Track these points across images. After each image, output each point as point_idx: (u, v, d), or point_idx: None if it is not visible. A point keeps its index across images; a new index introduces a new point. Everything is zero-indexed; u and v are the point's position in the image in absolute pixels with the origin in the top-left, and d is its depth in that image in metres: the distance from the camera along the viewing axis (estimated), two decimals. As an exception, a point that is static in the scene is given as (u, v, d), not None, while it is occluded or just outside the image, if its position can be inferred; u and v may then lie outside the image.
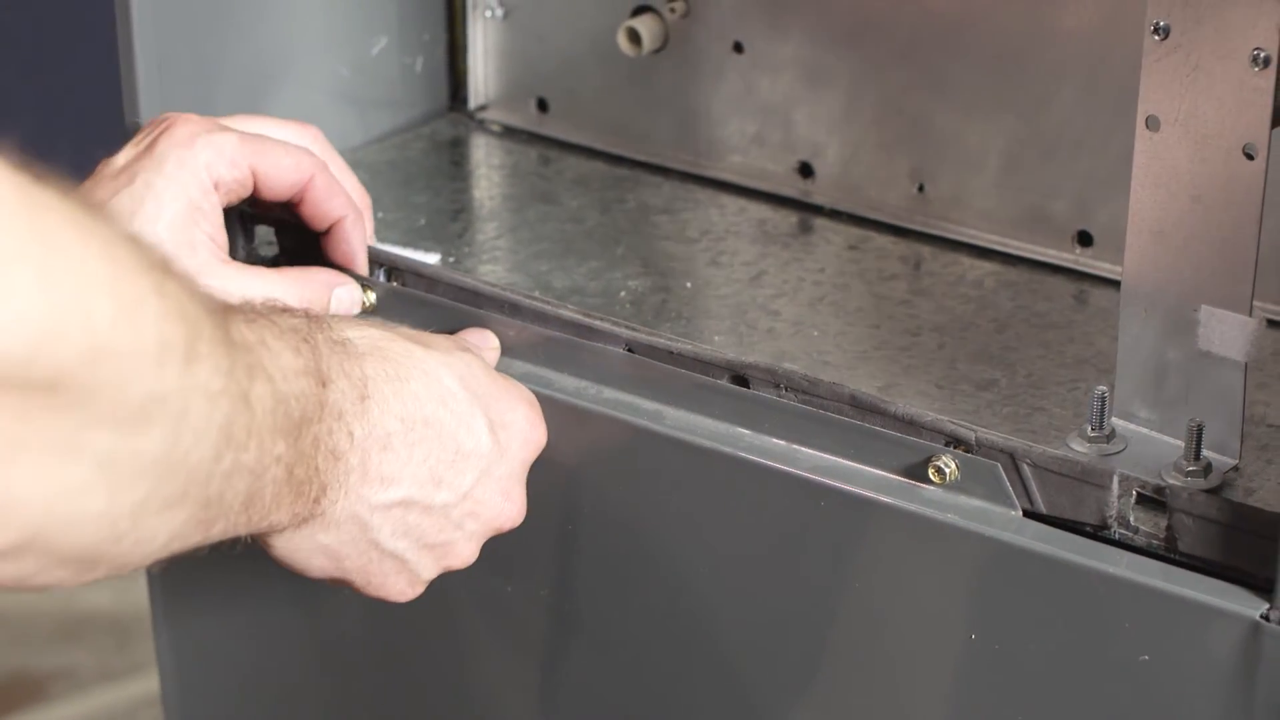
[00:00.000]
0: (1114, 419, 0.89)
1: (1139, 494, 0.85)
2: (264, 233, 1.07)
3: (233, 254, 1.06)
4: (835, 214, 1.14)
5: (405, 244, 1.09)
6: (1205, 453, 0.86)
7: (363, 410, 0.85)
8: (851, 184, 1.13)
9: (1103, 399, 0.88)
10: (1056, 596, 0.86)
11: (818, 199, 1.14)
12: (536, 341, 0.98)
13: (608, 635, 1.01)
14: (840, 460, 0.91)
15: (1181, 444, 0.86)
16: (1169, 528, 0.85)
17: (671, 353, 0.95)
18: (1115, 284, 0.94)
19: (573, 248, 1.10)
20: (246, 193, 0.99)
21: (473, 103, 1.25)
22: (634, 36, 1.16)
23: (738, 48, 1.15)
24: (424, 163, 1.21)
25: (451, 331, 1.00)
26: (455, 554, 0.91)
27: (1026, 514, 0.88)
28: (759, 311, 1.03)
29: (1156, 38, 0.83)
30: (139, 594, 2.23)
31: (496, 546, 0.94)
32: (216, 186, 0.97)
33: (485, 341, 0.99)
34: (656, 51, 1.17)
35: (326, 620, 1.11)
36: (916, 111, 1.10)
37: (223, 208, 0.99)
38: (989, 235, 1.09)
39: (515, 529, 0.93)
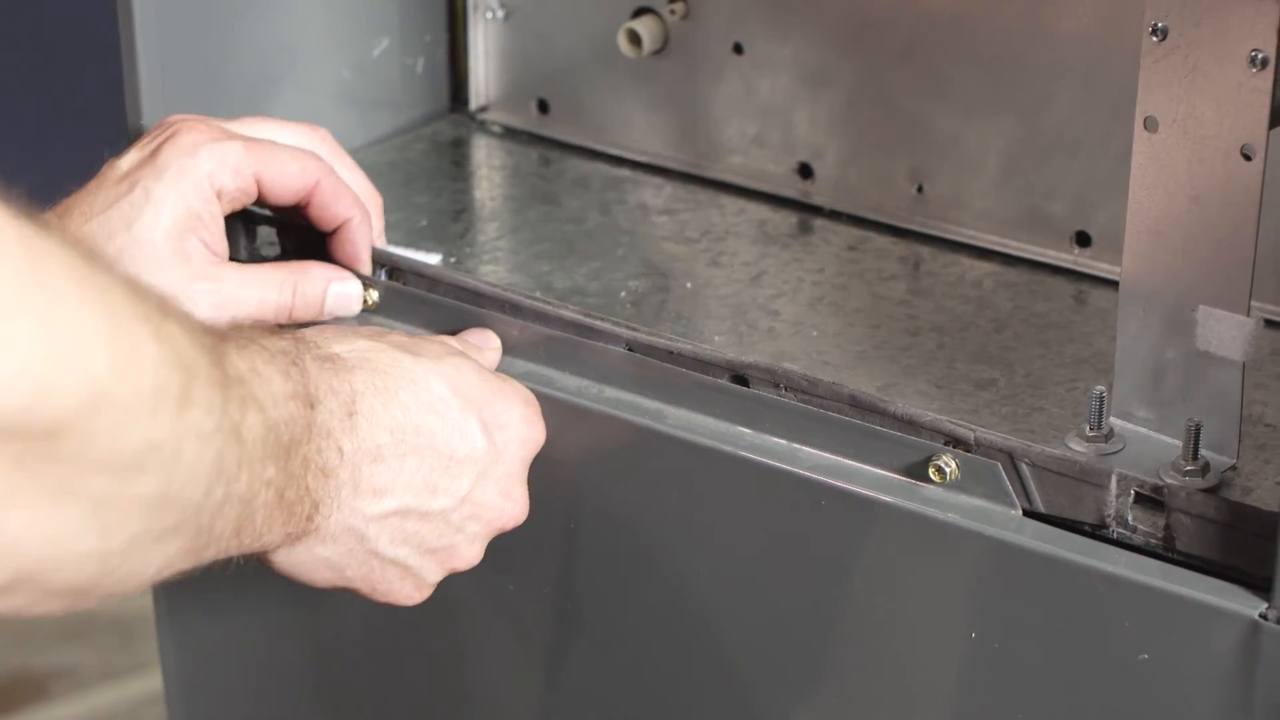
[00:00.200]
0: (1112, 419, 0.89)
1: (1137, 493, 0.85)
2: (266, 233, 1.07)
3: (235, 254, 1.06)
4: (835, 214, 1.14)
5: (407, 244, 1.09)
6: (1203, 452, 0.86)
7: (351, 426, 0.85)
8: (851, 185, 1.13)
9: (1101, 399, 0.88)
10: (1056, 595, 0.86)
11: (817, 200, 1.15)
12: (538, 341, 0.99)
13: (609, 633, 1.01)
14: (841, 459, 0.91)
15: (1179, 443, 0.86)
16: (1167, 527, 0.85)
17: (672, 353, 0.96)
18: (1114, 284, 0.94)
19: (573, 248, 1.10)
20: (251, 200, 1.00)
21: (474, 104, 1.25)
22: (634, 38, 1.16)
23: (738, 49, 1.15)
24: (425, 163, 1.21)
25: (454, 332, 1.00)
26: (459, 556, 0.92)
27: (1026, 513, 0.88)
28: (759, 312, 1.03)
29: (1155, 39, 0.83)
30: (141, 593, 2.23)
31: (499, 546, 0.94)
32: (219, 195, 0.98)
33: (487, 341, 0.99)
34: (657, 53, 1.17)
35: (330, 619, 1.11)
36: (915, 112, 1.10)
37: (227, 214, 0.99)
38: (988, 236, 1.09)
39: (519, 527, 0.94)
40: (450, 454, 0.89)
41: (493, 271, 1.07)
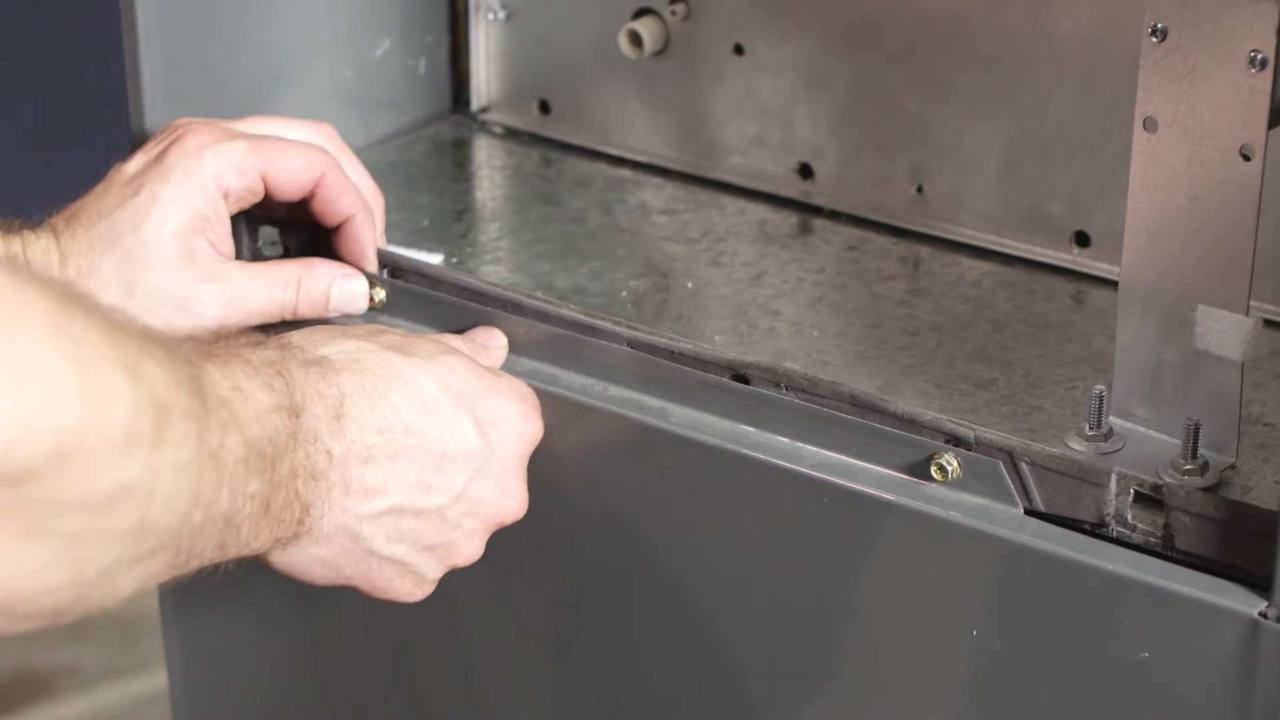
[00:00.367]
0: (1111, 418, 0.89)
1: (1136, 492, 0.85)
2: (269, 233, 1.07)
3: (237, 254, 1.06)
4: (835, 215, 1.14)
5: (409, 245, 1.09)
6: (1202, 451, 0.86)
7: (340, 429, 0.86)
8: (851, 185, 1.13)
9: (1100, 398, 0.88)
10: (1057, 594, 0.86)
11: (817, 200, 1.15)
12: (543, 339, 0.99)
13: (613, 629, 1.01)
14: (843, 458, 0.92)
15: (1179, 443, 0.86)
16: (1166, 526, 0.85)
17: (672, 352, 0.96)
18: (1113, 284, 0.94)
19: (574, 248, 1.10)
20: (258, 198, 1.00)
21: (475, 104, 1.25)
22: (635, 39, 1.16)
23: (738, 50, 1.15)
24: (427, 164, 1.21)
25: (461, 330, 1.00)
26: (458, 552, 0.92)
27: (1027, 512, 0.88)
28: (759, 311, 1.03)
29: (1154, 39, 0.84)
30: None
31: (502, 544, 0.94)
32: (226, 196, 0.98)
33: (492, 340, 0.99)
34: (658, 54, 1.17)
35: (334, 617, 1.11)
36: (915, 113, 1.10)
37: (233, 213, 1.00)
38: (987, 236, 1.09)
39: (520, 522, 0.94)
40: (442, 452, 0.90)
41: (494, 271, 1.08)
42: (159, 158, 0.97)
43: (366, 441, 0.87)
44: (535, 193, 1.18)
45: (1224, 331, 0.85)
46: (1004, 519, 0.88)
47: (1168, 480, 0.85)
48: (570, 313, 0.99)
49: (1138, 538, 0.86)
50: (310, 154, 1.01)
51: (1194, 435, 0.85)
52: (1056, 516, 0.87)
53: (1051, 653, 0.87)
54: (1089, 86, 1.03)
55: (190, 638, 1.17)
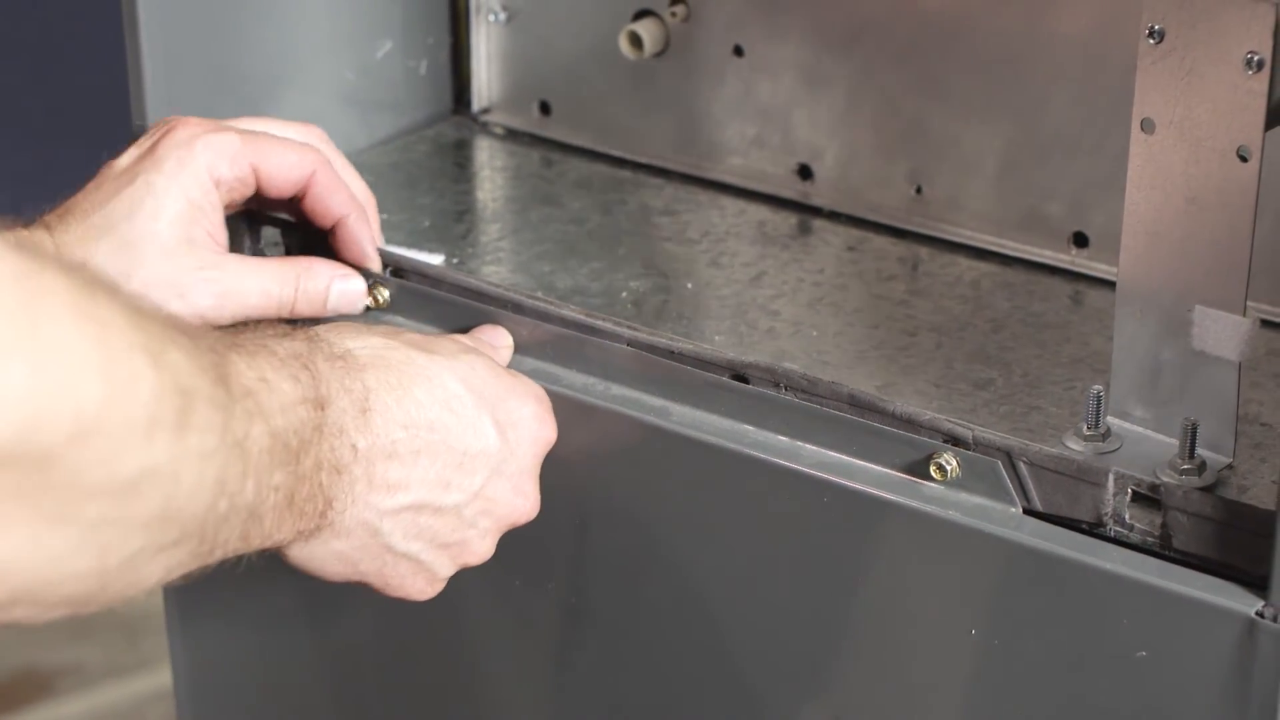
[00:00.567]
0: (1109, 418, 0.90)
1: (1134, 492, 0.85)
2: (270, 234, 1.07)
3: (239, 254, 1.07)
4: (834, 215, 1.14)
5: (410, 245, 1.09)
6: (1199, 451, 0.86)
7: (365, 423, 0.86)
8: (850, 186, 1.14)
9: (1098, 398, 0.88)
10: (1055, 593, 0.86)
11: (817, 201, 1.15)
12: (546, 339, 0.99)
13: (614, 626, 1.01)
14: (843, 457, 0.92)
15: (1176, 442, 0.87)
16: (1164, 525, 0.85)
17: (672, 352, 0.96)
18: (1111, 285, 0.94)
19: (575, 249, 1.10)
20: (249, 191, 1.00)
21: (476, 106, 1.26)
22: (635, 40, 1.16)
23: (738, 51, 1.15)
24: (428, 165, 1.21)
25: (465, 329, 1.00)
26: (471, 551, 0.92)
27: (1026, 511, 0.88)
28: (759, 312, 1.04)
29: (1151, 41, 0.84)
30: (145, 592, 2.23)
31: (505, 541, 0.94)
32: (217, 185, 0.98)
33: (498, 339, 0.99)
34: (658, 55, 1.17)
35: (339, 616, 1.11)
36: (914, 114, 1.10)
37: (226, 205, 1.00)
38: (986, 236, 1.10)
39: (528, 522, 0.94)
40: (464, 450, 0.90)
41: (495, 272, 1.08)
42: (152, 149, 0.98)
43: (391, 437, 0.87)
44: (536, 193, 1.18)
45: (1221, 332, 0.85)
46: (1002, 518, 0.88)
47: (1165, 480, 0.85)
48: (571, 313, 0.99)
49: (1135, 537, 0.86)
50: (302, 151, 1.01)
51: (1191, 435, 0.86)
52: (1055, 516, 0.88)
53: (1049, 651, 0.87)
54: (1087, 88, 1.04)
55: (194, 637, 1.18)
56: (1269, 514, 0.81)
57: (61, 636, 2.21)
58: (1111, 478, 0.86)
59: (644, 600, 0.99)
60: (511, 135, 1.25)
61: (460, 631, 1.07)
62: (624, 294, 1.05)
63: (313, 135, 1.04)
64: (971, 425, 0.89)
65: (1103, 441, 0.89)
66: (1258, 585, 0.82)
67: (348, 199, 1.03)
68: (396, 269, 1.04)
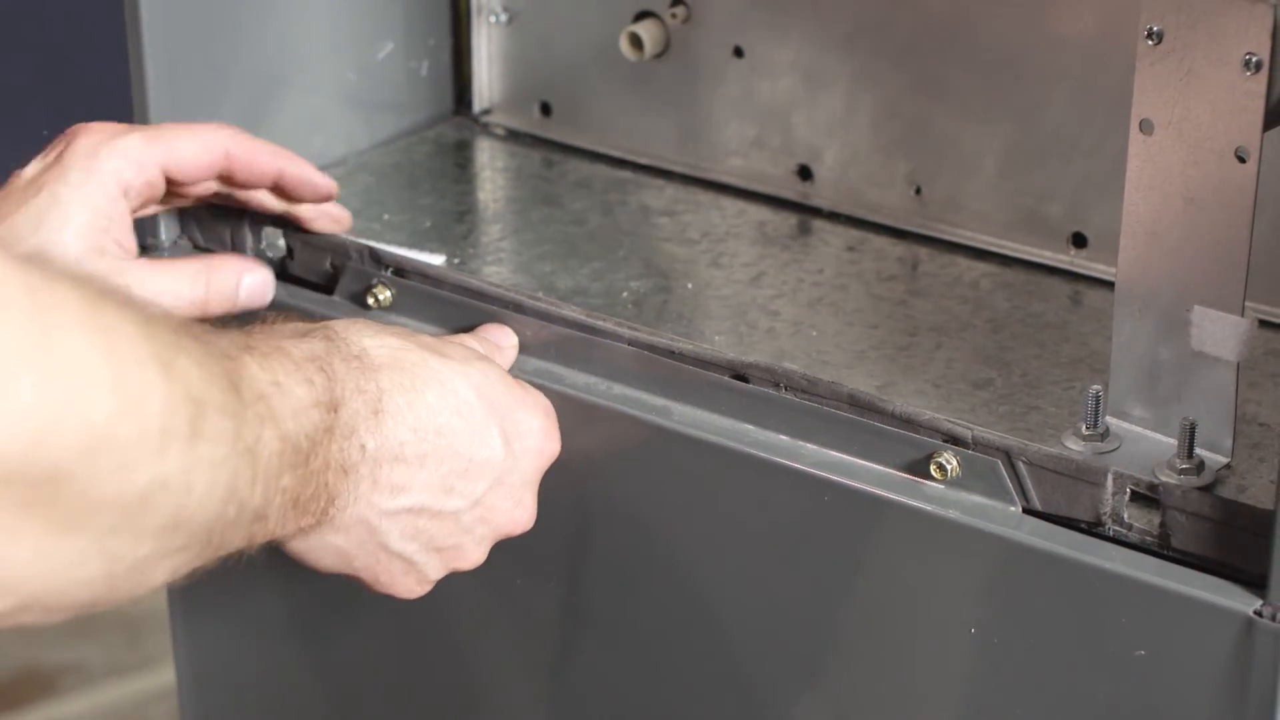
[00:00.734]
0: (1108, 418, 0.90)
1: (1133, 491, 0.86)
2: (270, 234, 1.08)
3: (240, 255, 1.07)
4: (834, 216, 1.14)
5: (411, 246, 1.09)
6: (1198, 451, 0.86)
7: (376, 424, 0.86)
8: (850, 187, 1.14)
9: (1097, 398, 0.89)
10: (1055, 592, 0.86)
11: (817, 201, 1.15)
12: (549, 339, 0.99)
13: (615, 624, 1.01)
14: (844, 456, 0.92)
15: (1175, 442, 0.87)
16: (1163, 524, 0.85)
17: (673, 352, 0.96)
18: (1110, 285, 0.94)
19: (576, 249, 1.11)
20: (159, 192, 1.00)
21: (477, 107, 1.26)
22: (636, 41, 1.17)
23: (738, 52, 1.15)
24: (429, 166, 1.21)
25: (468, 329, 1.01)
26: (464, 556, 0.92)
27: (1025, 510, 0.88)
28: (759, 312, 1.04)
29: (1150, 42, 0.84)
30: (148, 591, 2.23)
31: (507, 541, 0.95)
32: (125, 193, 0.98)
33: (504, 338, 0.99)
34: (658, 56, 1.17)
35: (341, 616, 1.11)
36: (914, 115, 1.10)
37: (137, 209, 1.00)
38: (985, 237, 1.10)
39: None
40: (470, 457, 0.90)
41: (496, 272, 1.08)
42: (57, 159, 0.98)
43: (400, 438, 0.88)
44: (537, 194, 1.18)
45: (1219, 332, 0.85)
46: (1002, 517, 0.88)
47: (1164, 480, 0.86)
48: (572, 313, 0.99)
49: (1134, 536, 0.86)
50: (207, 134, 1.00)
51: (1190, 435, 0.86)
52: (1054, 515, 0.88)
53: (1048, 650, 0.87)
54: (1086, 89, 1.04)
55: (197, 635, 1.18)
56: (1267, 513, 0.82)
57: (64, 635, 2.21)
58: (1110, 477, 0.86)
59: (646, 598, 1.00)
60: (512, 136, 1.25)
61: (463, 630, 1.07)
62: (624, 294, 1.05)
63: (226, 133, 1.03)
64: (971, 425, 0.89)
65: (1101, 441, 0.89)
66: (1256, 584, 0.83)
67: (272, 154, 1.02)
68: (398, 269, 1.04)
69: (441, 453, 0.89)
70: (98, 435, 0.67)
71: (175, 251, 1.10)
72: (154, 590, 0.76)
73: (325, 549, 0.88)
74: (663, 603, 0.99)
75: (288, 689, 1.16)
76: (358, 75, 1.20)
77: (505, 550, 0.95)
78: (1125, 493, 0.86)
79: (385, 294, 1.03)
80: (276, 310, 1.02)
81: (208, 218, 1.08)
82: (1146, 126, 0.85)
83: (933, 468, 0.89)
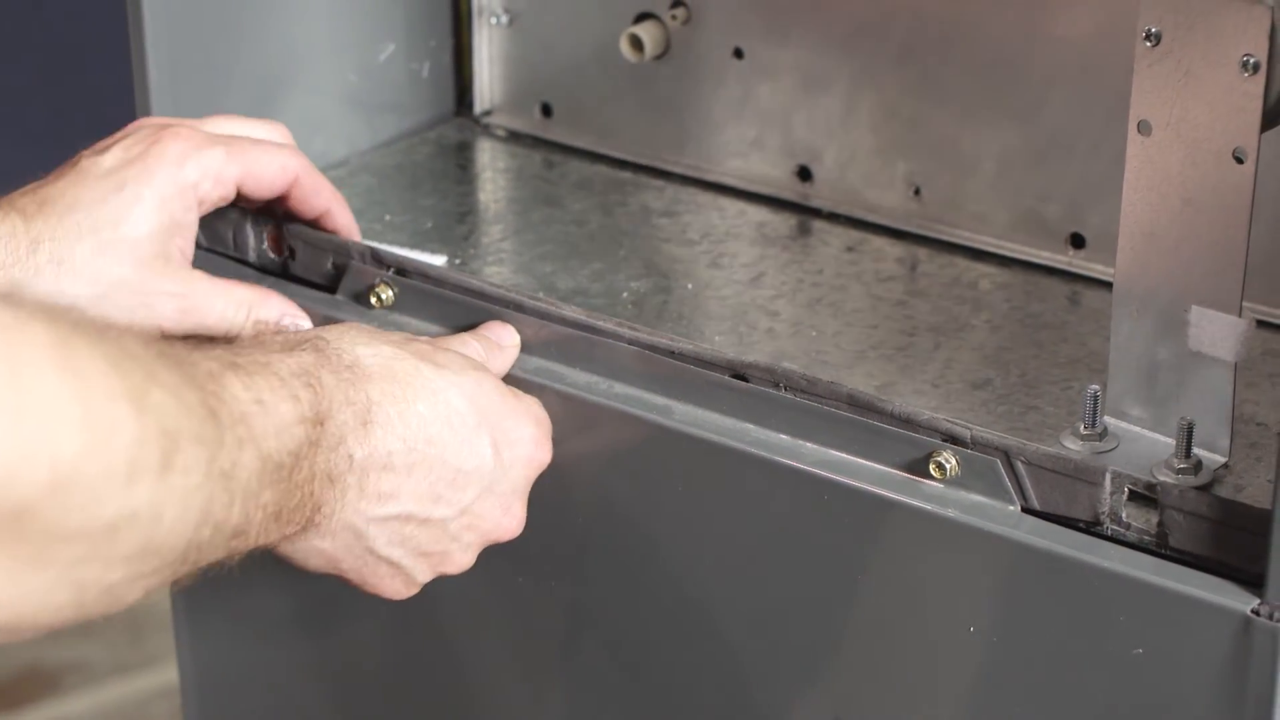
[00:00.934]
0: (1106, 417, 0.90)
1: (1131, 491, 0.86)
2: (271, 232, 1.08)
3: (243, 255, 1.07)
4: (833, 217, 1.14)
5: (413, 246, 1.10)
6: (1196, 450, 0.86)
7: (366, 434, 0.87)
8: (849, 187, 1.14)
9: (1095, 398, 0.89)
10: (1053, 590, 0.87)
11: (816, 202, 1.15)
12: (551, 338, 1.00)
13: (616, 623, 1.01)
14: (844, 455, 0.92)
15: (1172, 442, 0.87)
16: (1160, 524, 0.85)
17: (673, 352, 0.97)
18: (1108, 285, 0.94)
19: (576, 250, 1.11)
20: (228, 202, 1.02)
21: (478, 108, 1.26)
22: (636, 43, 1.17)
23: (738, 54, 1.15)
24: (430, 166, 1.21)
25: (471, 328, 1.01)
26: (451, 562, 0.93)
27: (1024, 510, 0.88)
28: (758, 312, 1.04)
29: (1148, 44, 0.84)
30: (151, 589, 2.23)
31: (508, 541, 0.95)
32: (200, 204, 1.00)
33: (506, 337, 1.00)
34: (658, 57, 1.17)
35: (344, 615, 1.11)
36: (913, 116, 1.10)
37: (204, 215, 1.01)
38: (984, 238, 1.10)
39: (527, 518, 0.95)
40: (458, 466, 0.91)
41: (497, 273, 1.08)
42: (141, 157, 0.98)
43: (389, 448, 0.88)
44: (537, 195, 1.18)
45: (1217, 332, 0.85)
46: (1001, 516, 0.88)
47: (1162, 479, 0.86)
48: (572, 313, 0.99)
49: (1132, 535, 0.86)
50: (284, 157, 1.02)
51: (1187, 434, 0.86)
52: (1052, 514, 0.88)
53: (1047, 648, 0.87)
54: (1084, 90, 1.04)
55: (200, 634, 1.18)
56: (1264, 513, 0.82)
57: (67, 635, 2.20)
58: (1108, 477, 0.86)
59: (646, 597, 1.00)
60: (513, 137, 1.25)
61: (465, 630, 1.07)
62: (625, 294, 1.05)
63: (280, 132, 1.05)
64: (970, 425, 0.89)
65: (1100, 441, 0.89)
66: (1253, 583, 0.83)
67: (329, 195, 1.05)
68: (400, 269, 1.04)
69: (430, 461, 0.89)
70: (65, 473, 0.68)
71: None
72: (127, 606, 0.76)
73: (312, 552, 0.89)
74: (663, 601, 0.99)
75: (290, 687, 1.16)
76: (359, 76, 1.20)
77: (507, 550, 0.96)
78: (1123, 492, 0.86)
79: (387, 294, 1.04)
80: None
81: (210, 217, 1.08)
82: (1144, 127, 0.85)
83: (932, 467, 0.90)
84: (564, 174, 1.20)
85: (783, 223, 1.14)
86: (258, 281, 1.07)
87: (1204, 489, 0.85)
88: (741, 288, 1.06)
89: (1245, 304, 0.86)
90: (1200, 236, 0.85)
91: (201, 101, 1.10)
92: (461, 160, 1.23)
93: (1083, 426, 0.89)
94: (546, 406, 0.97)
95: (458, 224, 1.14)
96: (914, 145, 1.11)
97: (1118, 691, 0.86)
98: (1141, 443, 0.89)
